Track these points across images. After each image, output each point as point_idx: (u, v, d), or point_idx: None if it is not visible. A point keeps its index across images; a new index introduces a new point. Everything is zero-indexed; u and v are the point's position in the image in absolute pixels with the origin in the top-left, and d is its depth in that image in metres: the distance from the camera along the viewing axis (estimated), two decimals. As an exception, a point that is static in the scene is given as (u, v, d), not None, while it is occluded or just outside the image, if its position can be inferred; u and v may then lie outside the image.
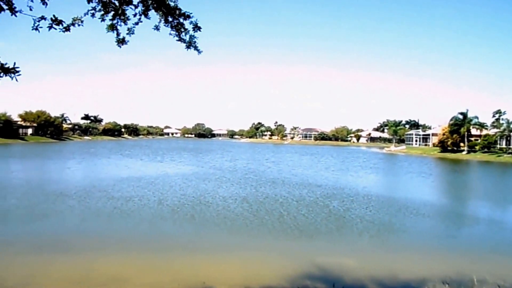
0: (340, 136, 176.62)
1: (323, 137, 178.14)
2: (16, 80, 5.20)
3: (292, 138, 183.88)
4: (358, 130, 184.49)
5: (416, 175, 43.04)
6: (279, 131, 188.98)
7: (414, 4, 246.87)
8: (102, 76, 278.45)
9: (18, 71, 5.18)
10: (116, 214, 18.33)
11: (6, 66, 5.11)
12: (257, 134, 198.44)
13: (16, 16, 5.10)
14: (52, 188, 25.41)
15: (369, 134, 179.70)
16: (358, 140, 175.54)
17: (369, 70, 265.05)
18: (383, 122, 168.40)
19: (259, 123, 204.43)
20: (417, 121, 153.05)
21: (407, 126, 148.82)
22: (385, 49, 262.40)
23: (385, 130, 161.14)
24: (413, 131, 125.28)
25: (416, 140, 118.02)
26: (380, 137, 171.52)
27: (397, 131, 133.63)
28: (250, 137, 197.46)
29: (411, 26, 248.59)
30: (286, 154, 80.00)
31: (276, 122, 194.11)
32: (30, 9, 5.13)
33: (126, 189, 25.31)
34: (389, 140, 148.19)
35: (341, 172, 43.34)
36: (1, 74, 5.08)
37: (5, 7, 5.06)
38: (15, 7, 5.07)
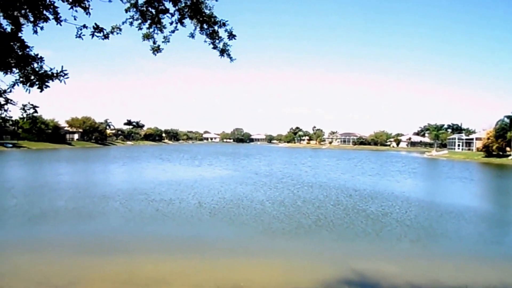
0: (379, 141, 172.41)
1: (361, 141, 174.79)
2: (65, 83, 5.53)
3: (330, 142, 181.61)
4: (398, 135, 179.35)
5: (457, 180, 41.41)
6: (317, 135, 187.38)
7: (456, 10, 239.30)
8: (143, 82, 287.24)
9: (66, 74, 5.51)
10: (157, 216, 18.86)
11: (54, 71, 5.44)
12: (295, 139, 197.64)
13: (61, 25, 5.44)
14: (97, 190, 26.48)
15: (409, 138, 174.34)
16: (398, 144, 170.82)
17: (410, 74, 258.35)
18: (424, 126, 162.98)
19: (297, 127, 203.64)
20: (459, 125, 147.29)
21: (449, 130, 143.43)
22: (427, 53, 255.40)
23: (426, 135, 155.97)
24: (455, 135, 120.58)
25: (458, 145, 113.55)
26: (421, 141, 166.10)
27: (439, 136, 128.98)
28: (288, 142, 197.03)
29: (453, 32, 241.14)
30: (323, 158, 79.20)
31: (314, 127, 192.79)
32: (74, 19, 5.46)
33: (166, 192, 25.96)
34: (430, 145, 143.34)
35: (378, 176, 42.40)
36: (51, 79, 5.41)
37: (51, 16, 5.40)
38: (60, 17, 5.40)
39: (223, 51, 6.19)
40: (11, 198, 22.90)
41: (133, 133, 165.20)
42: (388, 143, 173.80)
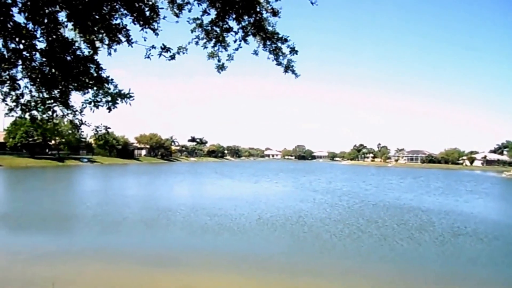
0: (450, 159, 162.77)
1: (431, 159, 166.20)
2: (130, 104, 5.82)
3: (396, 160, 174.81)
4: (471, 152, 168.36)
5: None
6: (382, 153, 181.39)
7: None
8: (206, 100, 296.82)
9: (132, 96, 5.81)
10: (218, 230, 19.07)
11: (123, 92, 5.75)
12: (359, 156, 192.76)
13: (132, 46, 5.75)
14: (162, 204, 27.45)
15: (485, 156, 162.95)
16: (471, 163, 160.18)
17: (485, 87, 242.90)
18: (502, 144, 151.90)
19: (361, 145, 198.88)
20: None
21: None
22: (507, 63, 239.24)
23: (505, 152, 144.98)
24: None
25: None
26: (498, 160, 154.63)
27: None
28: (351, 159, 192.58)
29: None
30: (387, 176, 76.13)
31: (379, 144, 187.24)
32: (144, 40, 5.74)
33: (227, 207, 26.24)
34: (510, 164, 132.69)
35: (446, 196, 39.75)
36: (121, 100, 5.71)
37: (123, 39, 5.73)
38: (131, 39, 5.70)
39: (287, 68, 6.18)
40: (85, 209, 24.41)
41: (196, 149, 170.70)
42: (461, 161, 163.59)
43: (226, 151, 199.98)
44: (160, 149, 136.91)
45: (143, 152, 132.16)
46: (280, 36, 5.99)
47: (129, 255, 14.81)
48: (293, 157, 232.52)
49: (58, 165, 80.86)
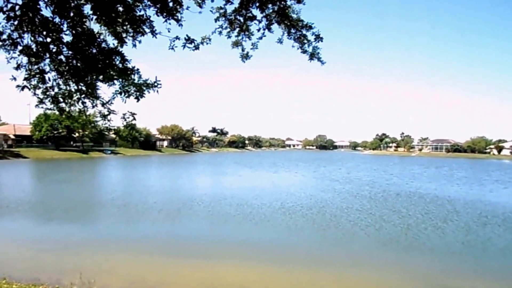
0: (477, 148, 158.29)
1: (456, 148, 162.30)
2: (158, 92, 5.86)
3: (420, 150, 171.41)
4: (499, 141, 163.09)
5: None
6: (405, 142, 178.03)
7: None
8: (227, 90, 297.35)
9: (159, 84, 5.84)
10: (240, 220, 19.18)
11: (149, 81, 5.79)
12: (381, 145, 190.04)
13: (156, 37, 5.75)
14: (184, 194, 27.75)
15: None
16: (499, 152, 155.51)
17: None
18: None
19: (383, 134, 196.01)
20: None
21: None
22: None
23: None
24: None
25: None
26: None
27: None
28: (373, 149, 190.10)
29: None
30: (410, 166, 74.84)
31: (403, 133, 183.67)
32: (168, 31, 5.73)
33: (248, 197, 26.30)
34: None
35: (470, 186, 38.87)
36: (148, 90, 5.75)
37: (147, 30, 5.74)
38: (155, 30, 5.71)
39: (313, 55, 6.08)
40: (110, 200, 24.88)
41: (217, 140, 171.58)
42: (488, 150, 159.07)
43: (247, 142, 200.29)
44: (182, 140, 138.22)
45: (165, 143, 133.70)
46: (305, 23, 5.89)
47: (153, 245, 15.04)
48: (314, 147, 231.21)
49: (82, 157, 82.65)
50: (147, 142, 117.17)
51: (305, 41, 5.97)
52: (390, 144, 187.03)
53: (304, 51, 6.04)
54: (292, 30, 5.90)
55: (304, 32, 5.90)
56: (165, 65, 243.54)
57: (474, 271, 13.14)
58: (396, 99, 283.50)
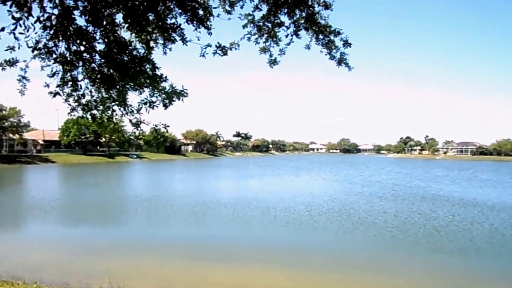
0: (503, 150, 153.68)
1: (482, 151, 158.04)
2: (182, 101, 5.93)
3: (445, 153, 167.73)
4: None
5: None
6: (430, 145, 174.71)
7: None
8: (251, 95, 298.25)
9: (186, 93, 5.92)
10: (266, 223, 19.16)
11: (177, 89, 5.87)
12: (405, 149, 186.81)
13: (186, 45, 5.83)
14: (211, 197, 27.89)
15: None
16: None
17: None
18: None
19: (407, 137, 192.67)
20: None
21: None
22: None
23: None
24: None
25: None
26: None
27: None
28: (397, 152, 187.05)
29: None
30: (435, 169, 73.10)
31: (427, 136, 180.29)
32: (198, 39, 5.80)
33: (273, 200, 26.22)
34: None
35: (494, 188, 37.76)
36: (177, 98, 5.83)
37: (178, 38, 5.82)
38: (185, 38, 5.79)
39: (341, 61, 6.03)
40: (137, 203, 25.26)
41: (241, 144, 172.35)
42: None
43: (270, 146, 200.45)
44: (206, 145, 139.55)
45: (190, 147, 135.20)
46: (332, 29, 5.86)
47: (181, 248, 15.20)
48: (338, 151, 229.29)
49: (108, 161, 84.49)
50: (172, 147, 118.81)
51: (333, 47, 5.93)
52: (415, 147, 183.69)
53: (332, 57, 6.01)
54: (320, 36, 5.87)
55: (332, 38, 5.87)
56: (189, 69, 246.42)
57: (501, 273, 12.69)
58: (420, 102, 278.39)
